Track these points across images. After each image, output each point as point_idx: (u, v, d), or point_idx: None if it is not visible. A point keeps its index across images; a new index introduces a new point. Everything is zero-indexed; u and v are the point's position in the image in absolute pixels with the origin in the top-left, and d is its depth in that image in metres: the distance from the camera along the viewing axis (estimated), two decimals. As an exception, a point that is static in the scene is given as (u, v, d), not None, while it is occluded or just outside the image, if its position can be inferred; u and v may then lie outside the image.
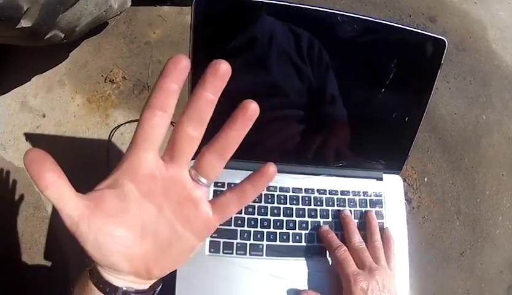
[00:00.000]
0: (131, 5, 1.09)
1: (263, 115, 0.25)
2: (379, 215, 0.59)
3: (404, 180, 1.04)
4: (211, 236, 0.51)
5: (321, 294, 0.51)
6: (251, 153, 0.54)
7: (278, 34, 0.48)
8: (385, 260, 0.51)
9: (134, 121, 1.03)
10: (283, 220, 0.55)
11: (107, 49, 1.06)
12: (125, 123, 1.02)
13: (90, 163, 0.92)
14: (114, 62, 1.03)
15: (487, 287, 1.20)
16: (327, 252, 0.54)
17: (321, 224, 0.57)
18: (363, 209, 0.58)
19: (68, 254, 0.88)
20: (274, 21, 0.46)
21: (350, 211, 0.59)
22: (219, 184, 0.56)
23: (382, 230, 0.56)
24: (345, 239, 0.53)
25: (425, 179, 1.07)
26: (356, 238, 0.52)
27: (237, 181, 0.27)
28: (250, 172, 0.27)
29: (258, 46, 0.48)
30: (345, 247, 0.50)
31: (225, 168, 0.55)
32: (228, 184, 0.56)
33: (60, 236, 0.89)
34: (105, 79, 1.00)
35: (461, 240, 1.13)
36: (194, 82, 0.48)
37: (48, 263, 0.87)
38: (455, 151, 1.12)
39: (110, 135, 0.98)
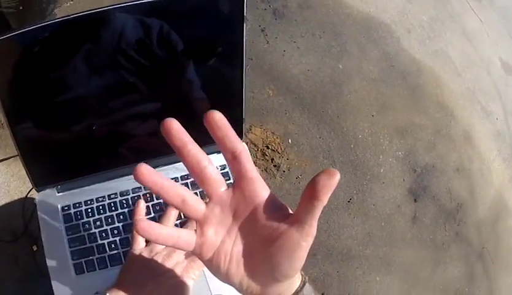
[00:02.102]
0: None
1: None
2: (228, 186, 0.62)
3: (268, 148, 1.08)
4: (72, 259, 0.54)
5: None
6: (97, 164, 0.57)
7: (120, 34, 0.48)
8: None
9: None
10: (131, 223, 0.57)
11: None
12: (-12, 165, 0.99)
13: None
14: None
15: (388, 224, 1.27)
16: None
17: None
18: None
19: None
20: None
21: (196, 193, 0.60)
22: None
23: None
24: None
25: (289, 141, 1.11)
26: None
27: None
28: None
29: (98, 52, 0.48)
30: None
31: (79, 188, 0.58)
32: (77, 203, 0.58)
33: None
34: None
35: (345, 188, 1.19)
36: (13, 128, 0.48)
37: None
38: (315, 106, 1.18)
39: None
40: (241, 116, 0.63)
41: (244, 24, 0.54)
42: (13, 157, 1.04)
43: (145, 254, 0.46)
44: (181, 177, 0.62)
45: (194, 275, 0.45)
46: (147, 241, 0.49)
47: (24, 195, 0.98)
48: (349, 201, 1.19)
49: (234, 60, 0.56)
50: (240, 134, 0.64)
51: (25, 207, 0.97)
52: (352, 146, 1.21)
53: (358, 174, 1.22)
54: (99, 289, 0.46)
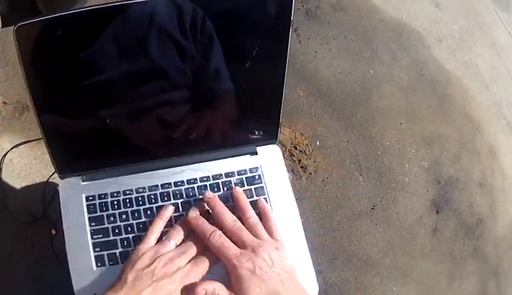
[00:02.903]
0: (3, 27, 1.08)
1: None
2: (260, 190, 0.58)
3: (295, 148, 1.08)
4: (94, 250, 0.53)
5: None
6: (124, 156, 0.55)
7: (156, 17, 0.46)
8: (267, 233, 0.50)
9: (20, 144, 1.02)
10: None
11: (-18, 78, 1.04)
12: (12, 148, 1.00)
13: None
14: (-7, 90, 1.03)
15: (409, 234, 1.27)
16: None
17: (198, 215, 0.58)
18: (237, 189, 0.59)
19: None
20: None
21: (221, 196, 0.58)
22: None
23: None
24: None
25: (318, 143, 1.11)
26: (229, 218, 0.49)
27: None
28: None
29: (128, 37, 0.47)
30: (220, 232, 0.48)
31: (105, 179, 0.57)
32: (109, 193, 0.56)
33: None
34: (-12, 109, 0.99)
35: (369, 195, 1.18)
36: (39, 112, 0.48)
37: None
38: (344, 110, 1.17)
39: (0, 164, 0.98)
40: (278, 119, 0.59)
41: (291, 26, 0.53)
42: (36, 139, 1.05)
43: (149, 255, 0.45)
44: (212, 176, 0.61)
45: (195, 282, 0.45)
46: (157, 242, 0.49)
47: (45, 179, 1.00)
48: (372, 208, 1.19)
49: (278, 60, 0.54)
50: (275, 137, 0.62)
51: (46, 191, 0.98)
52: (379, 153, 1.21)
53: (383, 181, 1.21)
54: (98, 291, 0.46)
